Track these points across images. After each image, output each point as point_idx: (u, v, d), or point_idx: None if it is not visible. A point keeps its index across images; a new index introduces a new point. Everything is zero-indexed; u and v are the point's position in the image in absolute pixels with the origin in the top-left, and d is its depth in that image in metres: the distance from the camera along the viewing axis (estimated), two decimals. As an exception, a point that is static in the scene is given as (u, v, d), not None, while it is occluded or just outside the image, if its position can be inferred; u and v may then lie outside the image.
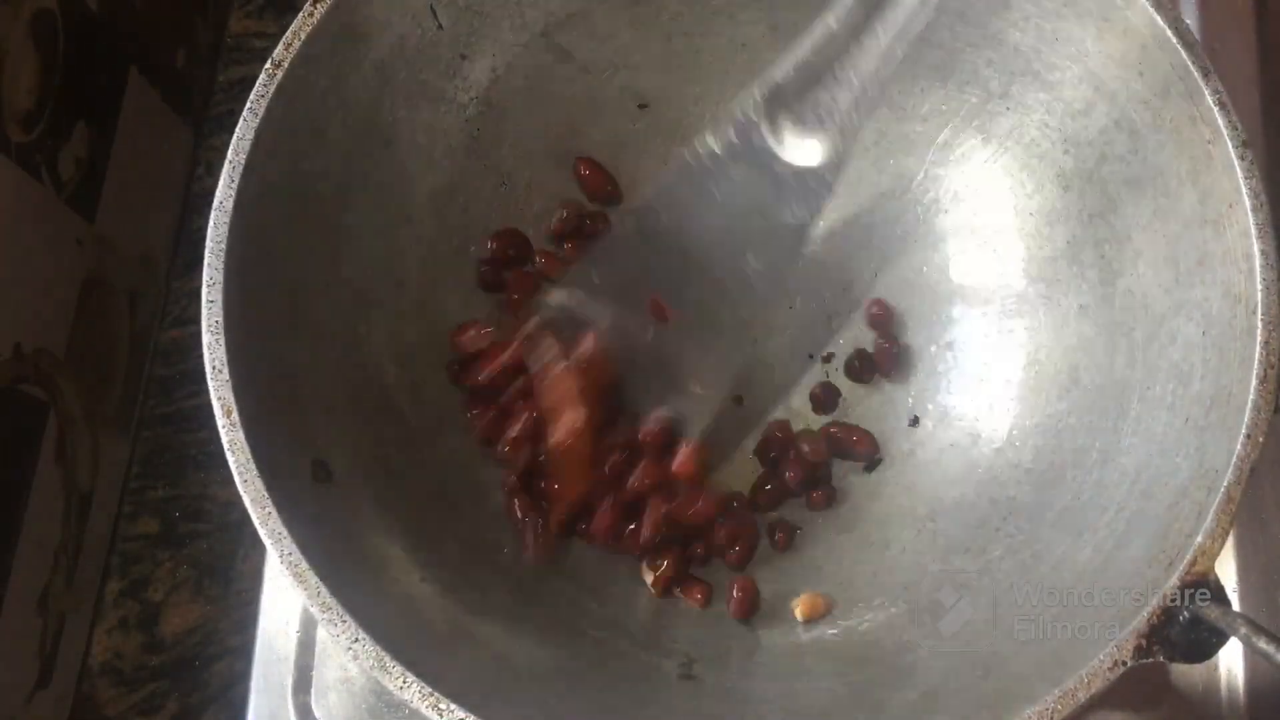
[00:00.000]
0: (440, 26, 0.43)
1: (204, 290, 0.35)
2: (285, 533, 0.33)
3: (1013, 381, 0.44)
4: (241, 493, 0.34)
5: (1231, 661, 0.44)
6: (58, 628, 0.51)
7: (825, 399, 0.47)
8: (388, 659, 0.32)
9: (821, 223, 0.48)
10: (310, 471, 0.37)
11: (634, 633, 0.42)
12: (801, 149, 0.39)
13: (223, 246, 0.36)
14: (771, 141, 0.39)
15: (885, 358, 0.46)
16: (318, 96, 0.40)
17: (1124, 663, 0.31)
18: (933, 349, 0.46)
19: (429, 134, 0.44)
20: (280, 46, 0.38)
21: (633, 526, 0.43)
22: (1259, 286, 0.34)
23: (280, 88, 0.38)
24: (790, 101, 0.38)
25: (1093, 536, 0.37)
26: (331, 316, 0.41)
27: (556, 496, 0.43)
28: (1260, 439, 0.33)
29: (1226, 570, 0.45)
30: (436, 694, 0.32)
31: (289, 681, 0.45)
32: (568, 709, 0.37)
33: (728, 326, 0.45)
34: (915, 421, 0.46)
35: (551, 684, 0.38)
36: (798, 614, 0.42)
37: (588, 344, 0.42)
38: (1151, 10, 0.37)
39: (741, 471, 0.46)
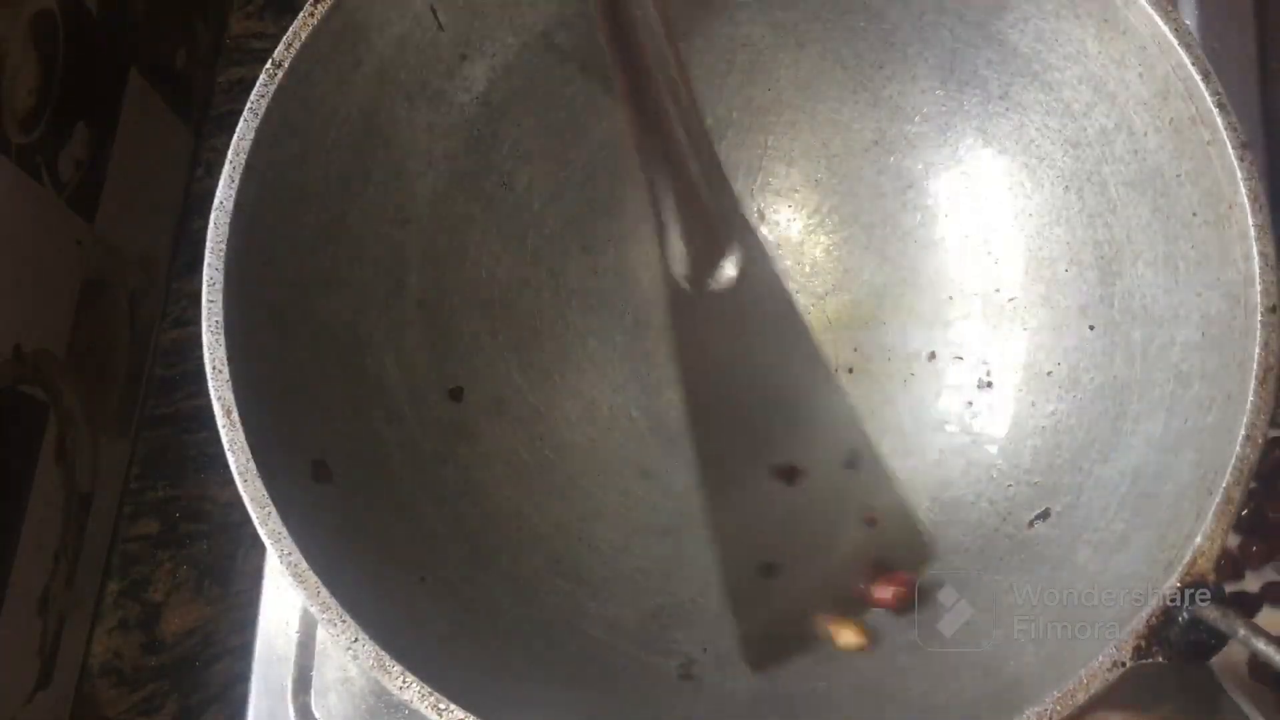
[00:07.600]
0: (440, 27, 0.43)
1: (204, 290, 0.35)
2: (285, 533, 0.33)
3: (1012, 382, 0.44)
4: (241, 493, 0.34)
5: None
6: (58, 628, 0.51)
7: None
8: (387, 659, 0.32)
9: (819, 224, 0.49)
10: (310, 471, 0.37)
11: (634, 633, 0.42)
12: None
13: (223, 246, 0.36)
14: None
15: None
16: (318, 97, 0.40)
17: (1123, 663, 0.31)
18: (932, 350, 0.46)
19: (429, 134, 0.44)
20: (280, 47, 0.38)
21: None
22: (1258, 288, 0.34)
23: (280, 88, 0.38)
24: None
25: (1092, 537, 0.37)
26: (332, 316, 0.41)
27: None
28: (1260, 440, 0.33)
29: (1226, 571, 0.45)
30: (436, 694, 0.32)
31: (289, 681, 0.45)
32: (567, 709, 0.37)
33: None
34: (914, 423, 0.46)
35: (551, 684, 0.38)
36: (838, 641, 0.41)
37: None
38: (1151, 11, 0.37)
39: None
